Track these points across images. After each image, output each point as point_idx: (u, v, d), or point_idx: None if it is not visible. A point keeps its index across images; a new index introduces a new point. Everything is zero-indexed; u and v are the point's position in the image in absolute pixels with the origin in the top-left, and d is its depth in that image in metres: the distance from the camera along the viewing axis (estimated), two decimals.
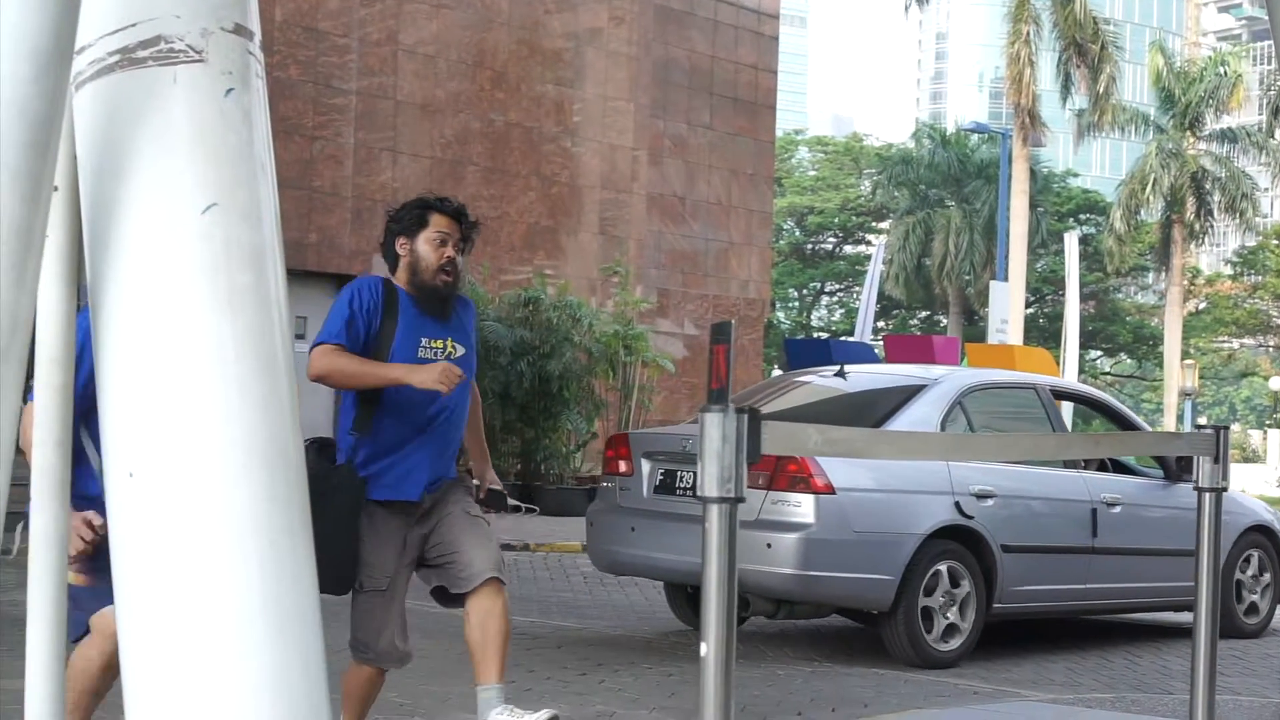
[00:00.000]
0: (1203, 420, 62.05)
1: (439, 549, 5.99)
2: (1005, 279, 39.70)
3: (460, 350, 5.96)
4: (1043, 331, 58.98)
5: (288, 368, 3.10)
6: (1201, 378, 60.70)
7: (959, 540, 10.15)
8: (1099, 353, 66.91)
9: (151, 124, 3.05)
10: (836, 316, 67.93)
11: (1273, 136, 51.35)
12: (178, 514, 2.94)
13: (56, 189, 3.10)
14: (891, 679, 9.30)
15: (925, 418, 10.25)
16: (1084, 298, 59.31)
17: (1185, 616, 12.66)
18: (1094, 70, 44.09)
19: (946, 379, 10.91)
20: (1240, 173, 52.63)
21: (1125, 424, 12.01)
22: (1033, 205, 48.77)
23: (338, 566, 5.76)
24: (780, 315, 64.76)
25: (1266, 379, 64.25)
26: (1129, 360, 68.10)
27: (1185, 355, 55.09)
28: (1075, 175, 68.29)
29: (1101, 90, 44.50)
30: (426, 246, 5.82)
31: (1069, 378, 30.35)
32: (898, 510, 9.93)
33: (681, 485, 10.17)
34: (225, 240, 3.03)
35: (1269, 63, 59.01)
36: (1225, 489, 4.38)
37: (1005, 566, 10.32)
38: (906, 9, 46.44)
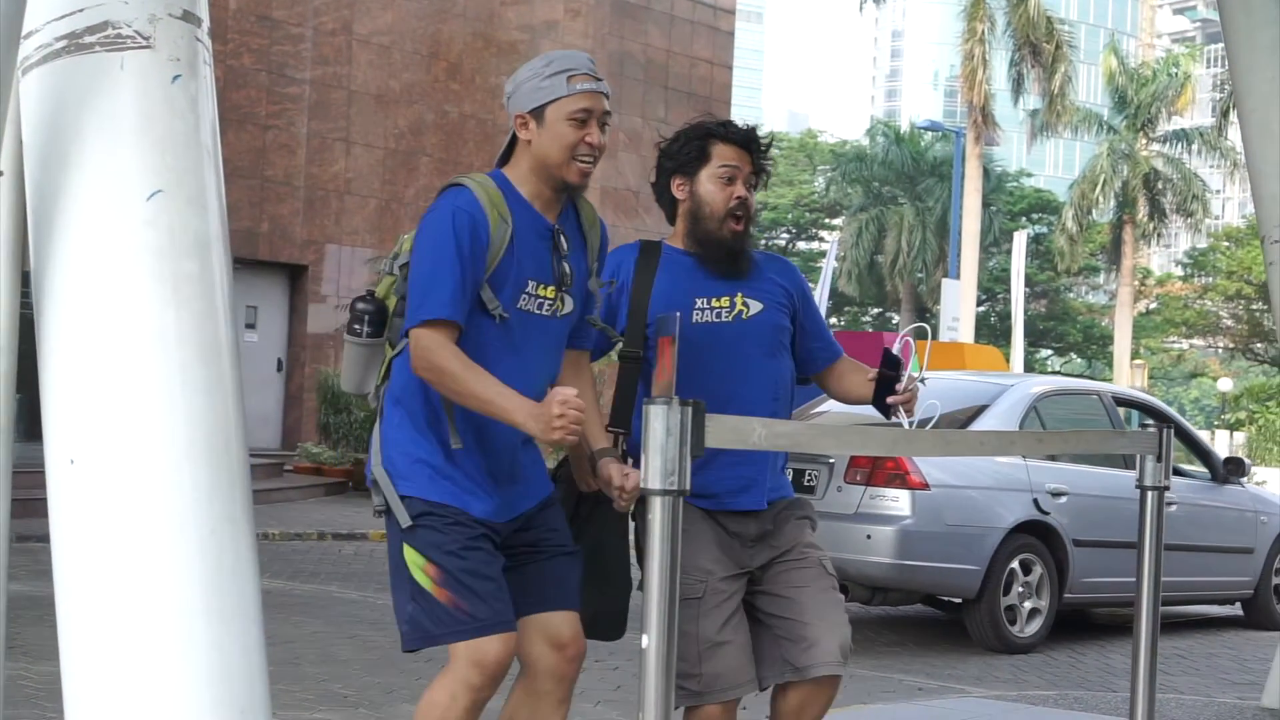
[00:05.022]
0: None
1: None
2: (957, 277, 39.83)
3: (757, 307, 4.67)
4: (994, 330, 59.24)
5: (232, 356, 3.09)
6: (1151, 378, 61.08)
7: (1036, 535, 10.94)
8: (1049, 352, 67.25)
9: (98, 110, 3.04)
10: None
11: (1225, 137, 51.64)
12: (119, 501, 2.93)
13: (2, 174, 3.09)
14: None
15: (1004, 423, 10.90)
16: (1035, 297, 59.65)
17: (1228, 610, 13.62)
18: (1048, 70, 44.26)
19: (1019, 386, 11.59)
20: (1192, 174, 52.90)
21: (1179, 431, 12.52)
22: (985, 204, 48.99)
23: (613, 591, 4.57)
24: None
25: (1215, 380, 64.63)
26: (1079, 360, 68.46)
27: (1135, 355, 55.40)
28: (1029, 175, 68.60)
29: (1056, 90, 44.67)
30: (711, 186, 4.64)
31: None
32: (984, 506, 10.70)
33: (808, 483, 10.58)
34: (170, 227, 3.02)
35: (1222, 65, 59.34)
36: (1168, 487, 4.42)
37: (1076, 559, 11.10)
38: (861, 6, 46.56)
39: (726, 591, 4.55)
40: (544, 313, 4.20)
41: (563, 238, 4.24)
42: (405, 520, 4.05)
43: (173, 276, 3.00)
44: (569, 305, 4.27)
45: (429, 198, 26.85)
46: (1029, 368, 44.06)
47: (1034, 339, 59.58)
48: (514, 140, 4.27)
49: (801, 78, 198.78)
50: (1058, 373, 67.20)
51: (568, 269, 4.23)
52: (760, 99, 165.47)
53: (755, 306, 4.67)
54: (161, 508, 2.92)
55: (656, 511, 2.87)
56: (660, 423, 2.89)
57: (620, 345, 4.66)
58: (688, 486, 2.91)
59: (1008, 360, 31.70)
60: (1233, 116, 50.74)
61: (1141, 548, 4.27)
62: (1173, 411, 13.16)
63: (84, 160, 3.03)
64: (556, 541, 4.31)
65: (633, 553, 4.59)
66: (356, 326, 4.16)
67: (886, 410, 4.59)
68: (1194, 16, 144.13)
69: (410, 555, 4.07)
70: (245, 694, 2.97)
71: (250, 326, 23.97)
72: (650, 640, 2.87)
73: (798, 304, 4.80)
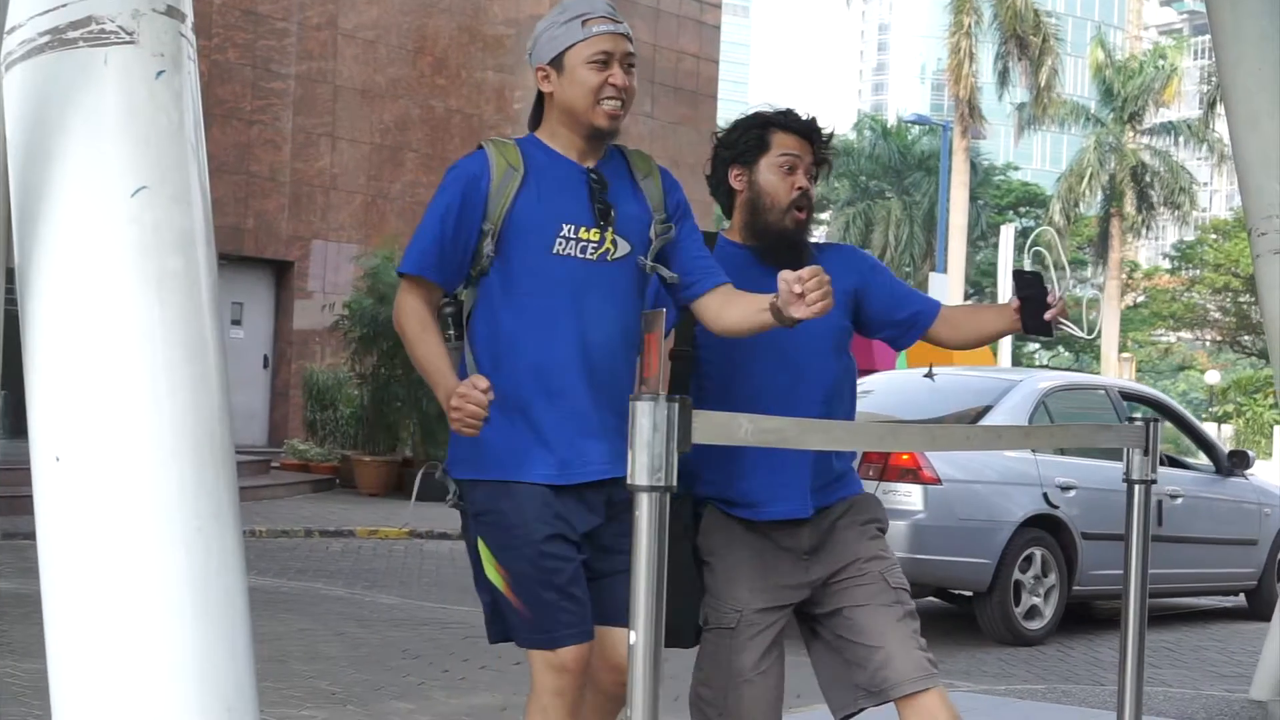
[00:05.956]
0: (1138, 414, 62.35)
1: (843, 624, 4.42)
2: (945, 271, 39.88)
3: None
4: None
5: (217, 353, 3.08)
6: (1139, 371, 61.17)
7: (1045, 528, 11.21)
8: (1036, 345, 67.27)
9: (82, 105, 3.03)
10: None
11: (1212, 130, 51.74)
12: (105, 498, 2.92)
13: None
14: None
15: (1014, 418, 11.08)
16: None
17: (1231, 601, 13.89)
18: (1035, 63, 44.34)
19: (1027, 381, 11.85)
20: (1179, 166, 53.04)
21: (1184, 425, 13.11)
22: (973, 198, 49.09)
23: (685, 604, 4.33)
24: None
25: (1203, 373, 64.75)
26: (1066, 353, 68.54)
27: (1123, 349, 55.50)
28: (1016, 168, 68.69)
29: (1043, 83, 44.76)
30: (772, 176, 4.40)
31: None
32: (995, 500, 10.98)
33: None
34: (155, 223, 3.01)
35: (1209, 57, 59.41)
36: (1154, 481, 4.41)
37: (1084, 553, 11.33)
38: (848, 0, 46.49)
39: (762, 624, 4.36)
40: (589, 256, 4.00)
41: (603, 180, 4.06)
42: (463, 505, 4.02)
43: (157, 273, 2.99)
44: (622, 248, 4.06)
45: (415, 193, 26.88)
46: (1016, 361, 44.09)
47: (1021, 333, 59.55)
48: (541, 101, 4.13)
49: (788, 71, 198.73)
50: (1045, 367, 67.26)
51: (610, 209, 4.03)
52: (747, 93, 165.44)
53: None
54: (147, 505, 2.92)
55: (643, 507, 2.87)
56: (647, 418, 2.88)
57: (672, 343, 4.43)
58: (674, 482, 2.90)
59: (995, 354, 31.71)
60: (1219, 109, 50.89)
61: (1129, 541, 4.27)
62: (1179, 406, 13.36)
63: (68, 156, 3.02)
64: (626, 552, 4.08)
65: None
66: (449, 333, 4.05)
67: (1048, 328, 4.33)
68: (1181, 8, 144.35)
69: (483, 550, 3.99)
70: (232, 691, 2.97)
71: (236, 323, 23.93)
72: (637, 637, 2.87)
73: (864, 292, 4.54)
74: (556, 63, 4.04)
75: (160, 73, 3.06)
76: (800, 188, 4.40)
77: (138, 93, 3.04)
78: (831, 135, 4.59)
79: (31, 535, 3.12)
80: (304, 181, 24.62)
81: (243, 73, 23.72)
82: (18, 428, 3.28)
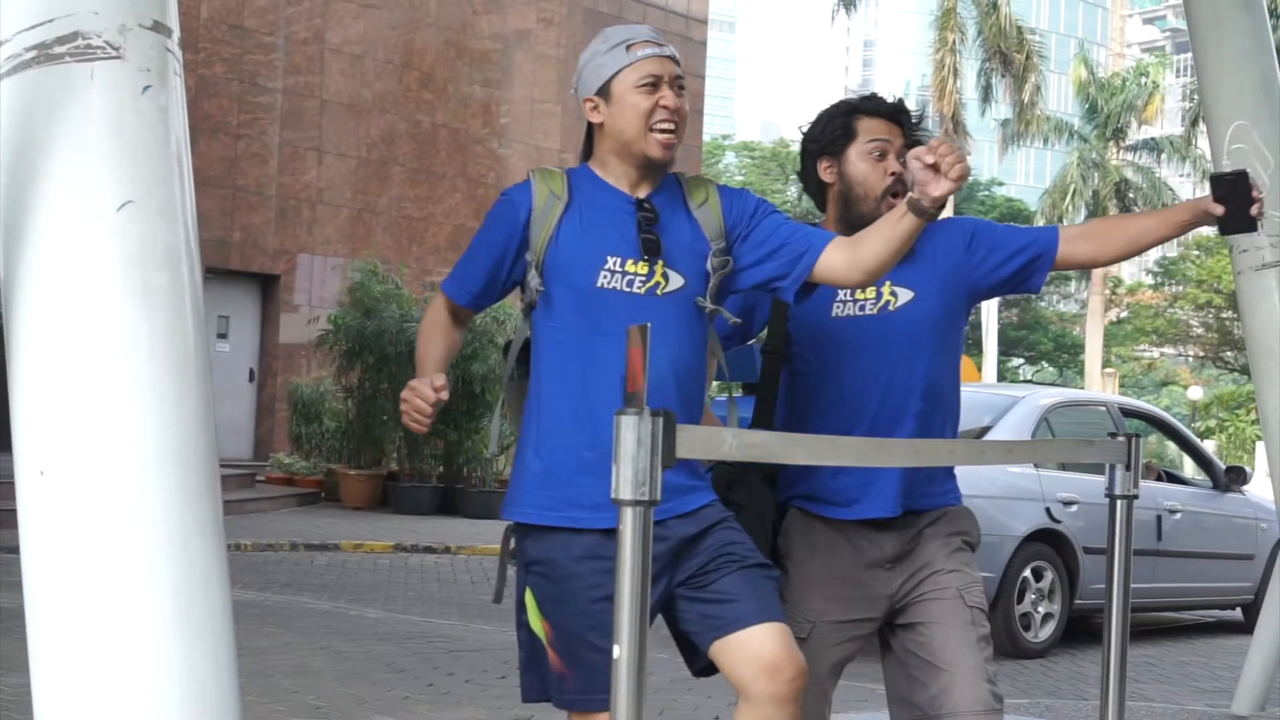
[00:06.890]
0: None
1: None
2: None
3: (906, 296, 4.23)
4: (965, 339, 59.31)
5: (202, 367, 3.08)
6: (1122, 386, 61.25)
7: (1047, 543, 11.39)
8: (1021, 360, 67.37)
9: (68, 120, 3.03)
10: None
11: (1195, 146, 51.85)
12: (89, 513, 2.92)
13: None
14: None
15: (1017, 434, 11.21)
16: (1006, 306, 59.81)
17: (1215, 615, 14.19)
18: (1019, 79, 44.43)
19: (1030, 398, 11.97)
20: (1162, 183, 53.10)
21: (1183, 441, 13.40)
22: (957, 213, 49.04)
23: None
24: None
25: (1186, 388, 64.83)
26: (1050, 368, 68.62)
27: (1106, 364, 55.55)
28: (1000, 184, 68.79)
29: (1026, 99, 44.84)
30: (862, 164, 4.23)
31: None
32: (998, 515, 11.02)
33: None
34: (141, 238, 3.01)
35: (1191, 74, 59.56)
36: (1136, 496, 4.41)
37: (1086, 567, 11.49)
38: (833, 15, 46.65)
39: (837, 638, 4.22)
40: (638, 290, 3.81)
41: (654, 211, 3.87)
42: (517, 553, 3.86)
43: (143, 288, 2.99)
44: (675, 281, 3.85)
45: (401, 207, 26.90)
46: (1001, 377, 44.17)
47: (1005, 348, 59.71)
48: (591, 133, 3.99)
49: (774, 87, 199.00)
50: (1029, 382, 67.33)
51: (658, 241, 3.82)
52: (733, 108, 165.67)
53: (905, 296, 4.22)
54: (132, 519, 2.92)
55: (628, 522, 2.87)
56: (631, 433, 2.88)
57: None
58: (659, 497, 2.90)
59: (980, 370, 31.75)
60: (1201, 126, 50.94)
61: (1111, 556, 4.28)
62: (1177, 423, 13.50)
63: (53, 171, 3.02)
64: (734, 555, 3.80)
65: None
66: (513, 369, 3.99)
67: (1253, 223, 4.12)
68: (1164, 26, 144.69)
69: (530, 602, 3.82)
70: (216, 705, 2.97)
71: (222, 336, 23.91)
72: (620, 651, 2.87)
73: (970, 266, 4.30)
74: (604, 92, 3.90)
75: (146, 88, 3.07)
76: (894, 173, 4.23)
77: (124, 107, 3.04)
78: (921, 116, 4.46)
79: (15, 549, 3.12)
80: (290, 195, 24.61)
81: (229, 87, 23.72)
82: (2, 442, 3.27)
